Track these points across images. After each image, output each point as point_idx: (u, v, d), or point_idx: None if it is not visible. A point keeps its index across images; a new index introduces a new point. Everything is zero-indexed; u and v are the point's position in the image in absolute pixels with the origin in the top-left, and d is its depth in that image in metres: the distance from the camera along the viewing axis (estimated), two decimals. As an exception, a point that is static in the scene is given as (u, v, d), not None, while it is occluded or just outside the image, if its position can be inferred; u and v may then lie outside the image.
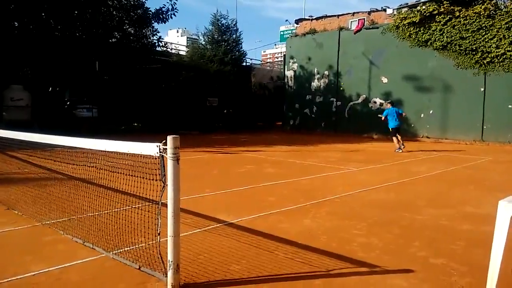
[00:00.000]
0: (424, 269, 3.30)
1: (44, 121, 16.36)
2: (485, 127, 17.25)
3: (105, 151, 3.34)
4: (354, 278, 3.12)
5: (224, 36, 26.81)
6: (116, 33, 19.86)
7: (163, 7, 20.09)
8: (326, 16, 23.20)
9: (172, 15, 20.21)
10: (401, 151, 13.11)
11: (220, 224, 4.46)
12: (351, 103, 21.54)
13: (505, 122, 16.55)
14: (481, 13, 16.82)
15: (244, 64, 29.17)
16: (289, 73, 24.50)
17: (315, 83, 23.09)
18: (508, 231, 2.69)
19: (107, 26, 18.95)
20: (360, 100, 21.20)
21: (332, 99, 22.31)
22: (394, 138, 13.52)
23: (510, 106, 16.52)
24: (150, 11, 20.16)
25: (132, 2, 19.91)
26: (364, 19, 21.04)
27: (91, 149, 3.62)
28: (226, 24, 27.07)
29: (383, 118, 14.07)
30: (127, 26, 20.19)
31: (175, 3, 19.88)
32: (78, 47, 17.74)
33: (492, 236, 2.76)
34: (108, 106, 20.09)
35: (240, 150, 13.08)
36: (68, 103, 19.82)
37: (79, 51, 17.79)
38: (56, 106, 18.87)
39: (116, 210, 4.02)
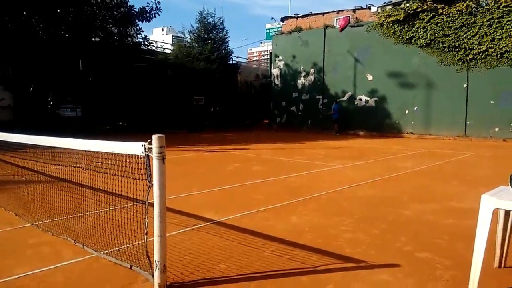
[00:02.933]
0: (410, 263, 3.35)
1: (27, 122, 16.08)
2: (468, 122, 17.57)
3: (89, 151, 3.29)
4: (341, 273, 3.14)
5: (211, 34, 26.70)
6: (99, 32, 19.60)
7: (147, 5, 19.91)
8: (312, 14, 23.30)
9: (156, 14, 20.05)
10: (338, 134, 19.54)
11: (208, 223, 4.45)
12: (337, 100, 21.68)
13: (487, 118, 16.89)
14: (463, 11, 17.11)
15: (231, 62, 29.11)
16: (275, 71, 24.54)
17: (301, 81, 23.18)
18: (491, 224, 2.75)
19: (90, 25, 18.68)
20: (345, 98, 21.37)
21: (318, 96, 22.43)
22: (336, 125, 20.08)
23: (492, 102, 16.86)
24: (134, 9, 19.95)
25: (115, 1, 19.66)
26: (349, 16, 21.19)
27: (74, 149, 3.56)
28: (213, 22, 26.97)
29: (331, 112, 20.07)
30: (111, 25, 19.93)
31: (159, 2, 19.74)
32: (61, 46, 17.44)
33: (475, 230, 2.81)
34: (92, 106, 19.84)
35: (227, 148, 13.06)
36: (51, 103, 19.49)
37: (62, 50, 17.49)
38: (39, 106, 18.54)
39: (102, 210, 3.98)
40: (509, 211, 3.05)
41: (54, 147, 3.99)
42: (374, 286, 2.93)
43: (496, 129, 16.76)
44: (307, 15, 23.48)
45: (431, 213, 5.03)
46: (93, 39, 19.44)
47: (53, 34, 17.70)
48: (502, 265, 3.29)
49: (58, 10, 17.52)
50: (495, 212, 2.80)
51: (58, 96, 19.81)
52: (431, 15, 17.99)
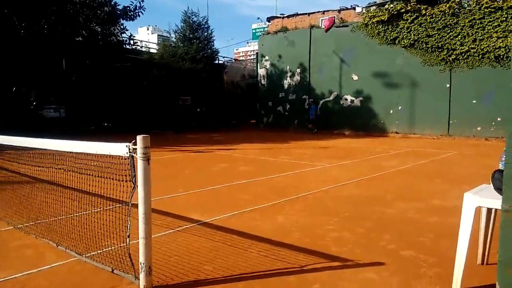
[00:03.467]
0: (395, 261, 3.38)
1: (9, 122, 15.71)
2: (451, 122, 17.87)
3: (72, 152, 3.24)
4: (327, 272, 3.16)
5: (196, 34, 26.57)
6: (83, 31, 19.31)
7: (131, 4, 19.78)
8: (297, 14, 23.39)
9: (140, 13, 19.89)
10: (315, 131, 20.38)
11: (194, 224, 4.42)
12: (323, 100, 21.83)
13: (470, 117, 17.21)
14: (446, 12, 17.40)
15: (217, 62, 29.01)
16: (261, 71, 24.56)
17: (287, 81, 23.25)
18: (473, 222, 2.79)
19: (73, 24, 18.39)
20: (331, 97, 21.52)
21: (304, 96, 22.53)
22: (312, 125, 20.96)
23: (474, 102, 17.18)
24: (118, 8, 19.73)
25: (99, 0, 19.42)
26: (334, 17, 21.34)
27: (57, 151, 3.50)
28: (198, 21, 26.84)
29: (314, 112, 21.01)
30: (94, 24, 19.67)
31: (143, 0, 19.61)
32: (43, 45, 17.12)
33: (459, 227, 2.86)
34: (76, 106, 19.53)
35: (214, 148, 13.02)
36: (34, 103, 19.11)
37: (45, 49, 17.17)
38: (22, 106, 18.16)
39: (85, 212, 3.91)
40: (491, 209, 3.10)
41: (35, 148, 3.91)
42: (360, 285, 2.95)
43: (479, 128, 17.09)
44: (293, 15, 23.56)
45: (415, 211, 5.10)
46: (76, 38, 19.14)
47: (36, 33, 17.36)
48: (485, 262, 3.35)
49: (41, 9, 17.19)
50: (478, 210, 2.85)
51: (41, 96, 19.44)
52: (414, 16, 18.24)
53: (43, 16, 17.46)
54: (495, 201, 2.64)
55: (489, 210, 3.24)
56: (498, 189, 2.63)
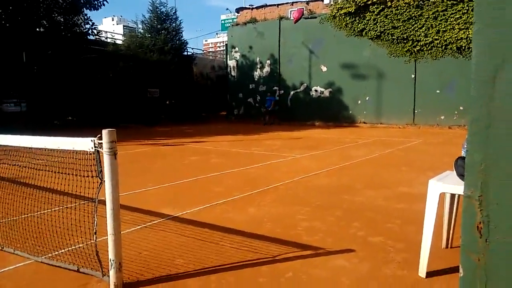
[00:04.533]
0: (364, 248, 3.47)
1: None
2: (416, 111, 18.44)
3: (32, 148, 3.09)
4: (299, 261, 3.19)
5: (164, 25, 25.95)
6: (44, 22, 18.50)
7: (96, -7, 19.10)
8: (266, 6, 23.33)
9: (105, 2, 19.25)
10: (268, 124, 20.00)
11: (164, 219, 4.36)
12: (293, 91, 21.97)
13: (434, 106, 17.81)
14: (411, 4, 17.83)
15: (186, 53, 28.54)
16: (231, 63, 24.41)
17: (257, 72, 23.23)
18: (438, 207, 2.89)
19: (33, 14, 17.57)
20: (301, 89, 21.69)
21: (274, 87, 22.59)
22: (268, 117, 20.65)
23: (438, 92, 17.78)
24: (81, -3, 19.04)
25: (60, -12, 18.66)
26: (303, 8, 21.43)
27: (14, 146, 3.32)
28: (166, 12, 26.24)
29: (273, 103, 20.95)
30: (56, 14, 18.88)
31: (108, -11, 18.98)
32: (1, 36, 16.28)
33: (424, 213, 2.96)
34: (39, 100, 18.73)
35: (184, 141, 12.86)
36: (-8, 97, 18.21)
37: (3, 41, 16.34)
38: (-22, 101, 17.29)
39: (48, 211, 3.75)
40: (454, 194, 3.22)
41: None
42: (331, 272, 3.00)
43: (442, 117, 17.72)
44: (262, 7, 23.48)
45: (383, 199, 5.24)
46: (37, 28, 18.32)
47: (-8, 24, 16.51)
48: (449, 245, 3.49)
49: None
50: (442, 196, 2.95)
51: (0, 90, 18.52)
52: (380, 8, 18.59)
53: (0, 6, 16.58)
54: (458, 187, 2.74)
55: (452, 196, 3.37)
56: (461, 176, 2.74)
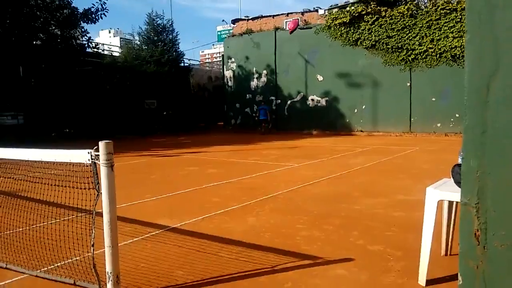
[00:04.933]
0: (363, 256, 3.45)
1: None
2: (412, 119, 18.52)
3: (29, 160, 3.08)
4: (298, 271, 3.18)
5: (160, 36, 26.10)
6: (41, 35, 18.56)
7: (92, 7, 19.17)
8: (262, 17, 23.53)
9: (102, 15, 19.36)
10: (263, 131, 20.27)
11: (162, 230, 4.33)
12: (290, 101, 22.05)
13: (430, 114, 17.90)
14: (405, 13, 18.03)
15: (182, 65, 28.65)
16: (228, 73, 24.52)
17: (254, 83, 23.33)
18: (436, 215, 2.89)
19: (30, 28, 17.64)
20: (298, 98, 21.78)
21: (271, 97, 22.67)
22: (264, 125, 20.70)
23: (433, 99, 17.88)
24: (78, 11, 19.11)
25: (57, 2, 18.72)
26: (298, 19, 21.62)
27: (11, 159, 3.31)
28: (162, 24, 26.42)
29: (269, 113, 20.99)
30: (53, 27, 18.96)
31: (105, 3, 19.07)
32: (-2, 49, 16.33)
33: (423, 221, 2.95)
34: (36, 113, 18.69)
35: (181, 152, 12.85)
36: (-11, 110, 18.15)
37: (-1, 54, 16.38)
38: (-25, 114, 17.23)
39: (43, 224, 3.72)
40: (452, 201, 3.22)
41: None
42: (330, 281, 2.98)
43: (439, 125, 17.80)
44: (258, 18, 23.68)
45: (381, 207, 5.23)
46: (34, 42, 18.37)
47: (-11, 37, 16.54)
48: (448, 253, 3.48)
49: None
50: (440, 203, 2.96)
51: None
52: (375, 18, 18.78)
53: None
54: (455, 194, 2.74)
55: (450, 203, 3.37)
56: (458, 183, 2.74)
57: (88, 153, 2.66)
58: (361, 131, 19.80)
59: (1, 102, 18.35)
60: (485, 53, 0.92)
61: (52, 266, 3.19)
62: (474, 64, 0.94)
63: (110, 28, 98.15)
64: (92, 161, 2.65)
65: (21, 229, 3.74)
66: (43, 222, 3.71)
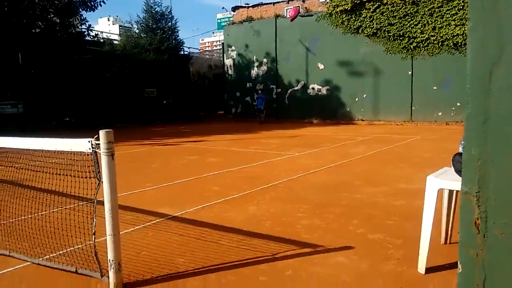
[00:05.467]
0: (363, 245, 3.47)
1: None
2: (413, 108, 18.47)
3: (29, 149, 3.08)
4: (298, 259, 3.20)
5: (159, 24, 25.90)
6: (39, 23, 18.43)
7: (92, -6, 19.04)
8: (262, 4, 23.32)
9: (101, 3, 19.19)
10: (262, 122, 19.71)
11: (163, 219, 4.36)
12: (290, 89, 21.97)
13: (431, 103, 17.84)
14: (406, 0, 17.85)
15: (182, 53, 28.48)
16: (228, 61, 24.38)
17: (254, 71, 23.22)
18: (436, 204, 2.90)
19: (29, 15, 17.50)
20: (299, 86, 21.69)
21: (272, 86, 22.59)
22: (261, 114, 20.24)
23: (435, 88, 17.81)
24: (77, -2, 18.98)
25: (56, -11, 18.58)
26: (298, 6, 21.41)
27: (12, 148, 3.31)
28: (160, 11, 26.18)
29: (265, 102, 20.42)
30: (52, 15, 18.81)
31: (104, -10, 18.92)
32: (-4, 38, 16.24)
33: (423, 210, 2.96)
34: (35, 101, 18.66)
35: (182, 141, 12.85)
36: (-12, 99, 18.12)
37: (-2, 42, 16.29)
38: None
39: (45, 212, 3.75)
40: (452, 190, 3.23)
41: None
42: (330, 269, 3.01)
43: (440, 113, 17.76)
44: (258, 5, 23.46)
45: (382, 195, 5.24)
46: (33, 30, 18.24)
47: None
48: (448, 241, 3.50)
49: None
50: (440, 192, 2.96)
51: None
52: (376, 5, 18.59)
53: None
54: (456, 183, 2.75)
55: (450, 192, 3.38)
56: (459, 172, 2.74)
57: (89, 142, 2.66)
58: (362, 120, 19.76)
59: (1, 91, 18.32)
60: (488, 40, 0.91)
61: (54, 254, 3.22)
62: (477, 52, 0.93)
63: (109, 16, 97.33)
64: (92, 150, 2.65)
65: (23, 217, 3.77)
66: (45, 211, 3.73)
